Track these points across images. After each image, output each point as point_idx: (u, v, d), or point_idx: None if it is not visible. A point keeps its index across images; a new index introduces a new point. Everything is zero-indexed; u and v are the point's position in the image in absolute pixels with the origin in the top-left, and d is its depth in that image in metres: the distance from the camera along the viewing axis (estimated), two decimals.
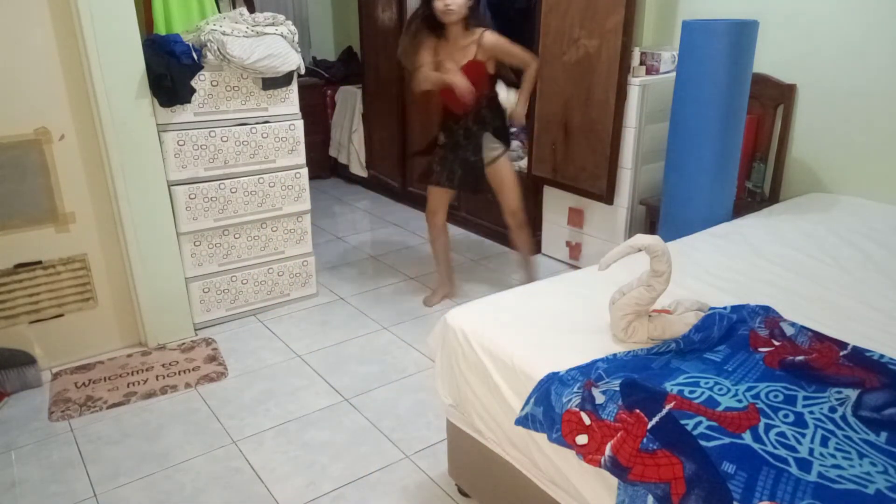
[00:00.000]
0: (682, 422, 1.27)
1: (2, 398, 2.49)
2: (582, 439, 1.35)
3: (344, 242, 4.14)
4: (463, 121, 2.89)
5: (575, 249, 3.62)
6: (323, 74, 5.43)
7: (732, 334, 1.60)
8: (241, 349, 2.86)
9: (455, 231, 4.10)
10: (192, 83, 2.69)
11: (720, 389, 1.37)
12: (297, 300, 3.28)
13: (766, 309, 1.71)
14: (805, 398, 1.36)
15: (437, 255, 3.24)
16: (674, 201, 2.69)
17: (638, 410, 1.31)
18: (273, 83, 2.88)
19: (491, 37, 2.76)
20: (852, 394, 1.36)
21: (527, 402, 1.50)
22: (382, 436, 2.29)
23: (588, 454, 1.33)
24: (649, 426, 1.28)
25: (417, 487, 2.05)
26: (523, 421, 1.51)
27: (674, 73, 2.65)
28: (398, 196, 4.90)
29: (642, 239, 1.54)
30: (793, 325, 1.64)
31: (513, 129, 3.16)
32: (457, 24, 2.73)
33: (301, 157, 3.09)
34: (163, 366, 2.72)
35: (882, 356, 1.50)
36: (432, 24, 2.76)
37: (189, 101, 2.70)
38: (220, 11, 3.09)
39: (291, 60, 2.83)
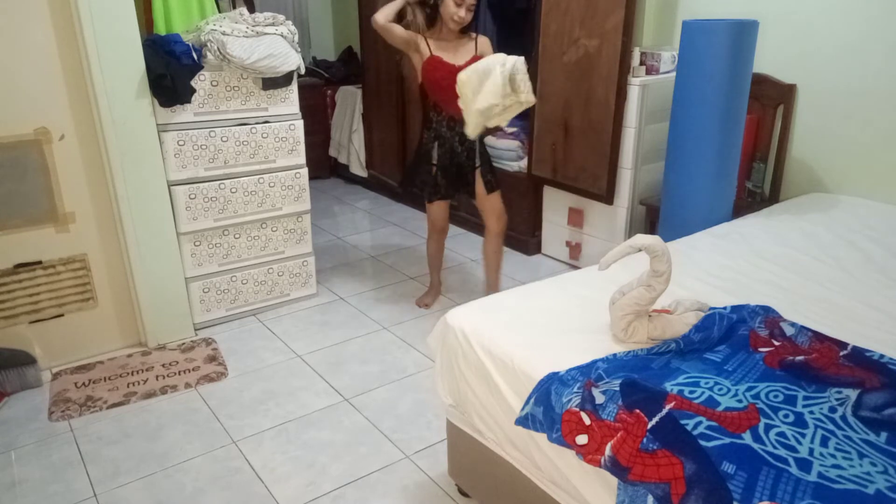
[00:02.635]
0: (682, 422, 1.27)
1: (2, 398, 2.49)
2: (582, 439, 1.35)
3: (344, 242, 4.14)
4: (459, 125, 2.75)
5: (575, 249, 3.62)
6: (323, 74, 5.43)
7: (732, 334, 1.60)
8: (241, 349, 2.86)
9: (455, 231, 4.10)
10: (192, 83, 2.69)
11: (720, 389, 1.37)
12: (297, 300, 3.28)
13: (766, 309, 1.71)
14: (805, 398, 1.36)
15: (434, 263, 3.24)
16: (674, 201, 2.69)
17: (638, 410, 1.31)
18: (273, 83, 2.88)
19: (485, 40, 2.82)
20: (852, 394, 1.36)
21: (527, 402, 1.50)
22: (382, 436, 2.29)
23: (588, 454, 1.33)
24: (649, 426, 1.28)
25: (417, 487, 2.05)
26: (523, 421, 1.51)
27: (674, 73, 2.66)
28: (398, 196, 4.90)
29: (642, 239, 1.54)
30: (793, 325, 1.64)
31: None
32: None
33: (301, 157, 3.09)
34: (163, 366, 2.72)
35: (882, 356, 1.50)
36: (429, 17, 2.74)
37: (189, 101, 2.70)
38: (220, 11, 3.08)
39: (291, 60, 2.83)
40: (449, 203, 3.05)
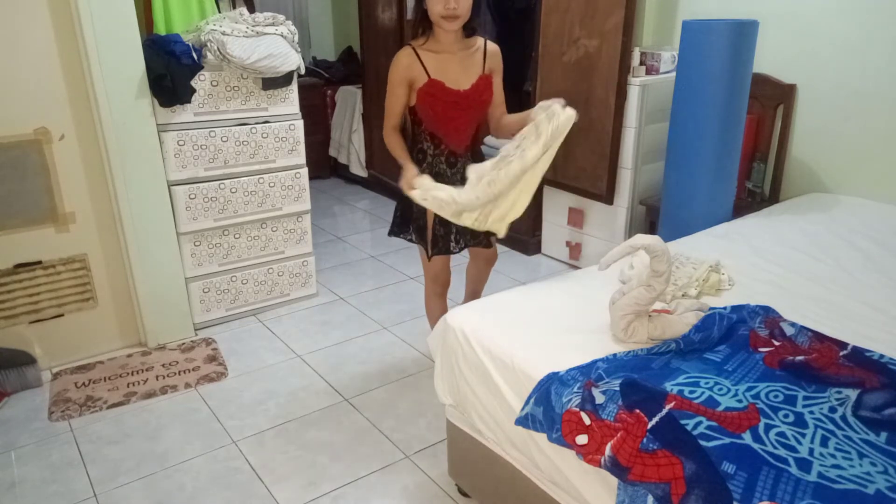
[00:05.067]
0: (682, 422, 1.27)
1: (2, 398, 2.49)
2: (582, 439, 1.35)
3: (344, 242, 4.14)
4: (462, 160, 2.23)
5: (575, 249, 3.62)
6: (323, 74, 5.43)
7: (732, 334, 1.60)
8: (241, 349, 2.86)
9: None
10: (192, 83, 2.69)
11: (720, 389, 1.37)
12: (297, 300, 3.28)
13: (766, 309, 1.71)
14: (805, 398, 1.36)
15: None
16: (674, 201, 2.69)
17: (638, 410, 1.31)
18: (273, 83, 2.88)
19: (494, 46, 2.21)
20: (852, 394, 1.36)
21: (527, 402, 1.50)
22: (382, 436, 2.29)
23: (588, 454, 1.33)
24: (649, 426, 1.28)
25: (417, 487, 2.05)
26: (523, 421, 1.51)
27: (674, 73, 2.66)
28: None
29: (642, 239, 1.54)
30: (793, 325, 1.64)
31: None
32: (457, 30, 2.09)
33: (301, 157, 3.09)
34: (163, 366, 2.72)
35: (882, 356, 1.50)
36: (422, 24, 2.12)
37: (189, 101, 2.70)
38: (220, 11, 3.09)
39: (291, 60, 2.83)
40: (450, 259, 2.39)
